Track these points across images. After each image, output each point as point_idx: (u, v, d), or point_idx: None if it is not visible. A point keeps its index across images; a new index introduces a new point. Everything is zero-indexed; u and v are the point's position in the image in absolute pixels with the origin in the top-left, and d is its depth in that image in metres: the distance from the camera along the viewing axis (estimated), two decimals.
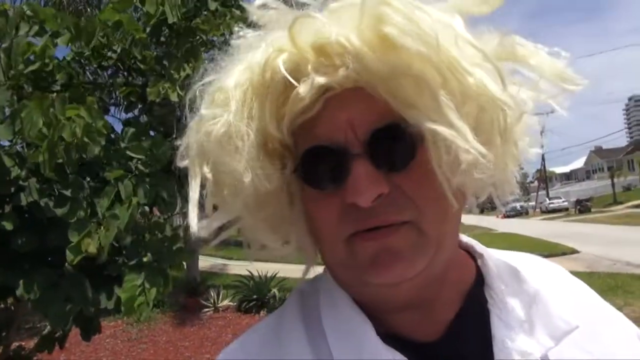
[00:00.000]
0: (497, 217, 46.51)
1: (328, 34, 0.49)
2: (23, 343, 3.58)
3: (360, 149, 0.50)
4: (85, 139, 1.81)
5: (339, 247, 0.54)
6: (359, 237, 0.52)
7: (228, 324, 8.34)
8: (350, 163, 0.50)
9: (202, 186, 0.57)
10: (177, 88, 2.44)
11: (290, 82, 0.50)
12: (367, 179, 0.49)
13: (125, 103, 2.68)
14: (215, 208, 0.60)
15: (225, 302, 9.29)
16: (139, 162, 2.16)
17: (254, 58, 0.54)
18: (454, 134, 0.48)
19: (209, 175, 0.55)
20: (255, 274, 9.60)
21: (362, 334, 0.56)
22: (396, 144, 0.50)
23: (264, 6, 0.58)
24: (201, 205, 0.59)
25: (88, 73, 2.61)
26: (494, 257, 0.65)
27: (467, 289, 0.62)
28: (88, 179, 2.10)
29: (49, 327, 2.16)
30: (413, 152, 0.51)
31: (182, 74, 2.50)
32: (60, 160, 1.78)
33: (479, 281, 0.63)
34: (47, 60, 2.14)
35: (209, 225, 0.59)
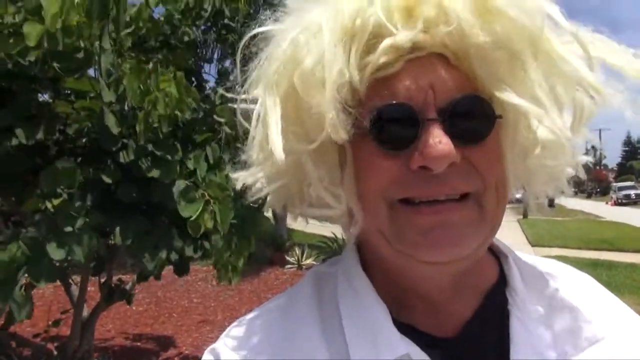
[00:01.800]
0: (607, 203, 42.79)
1: None
2: (126, 276, 3.94)
3: (437, 115, 0.49)
4: (177, 112, 1.88)
5: (383, 212, 0.52)
6: (417, 210, 0.50)
7: None
8: (426, 126, 0.49)
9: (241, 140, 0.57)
10: None
11: (377, 33, 0.50)
12: (448, 144, 0.48)
13: (219, 57, 2.76)
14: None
15: (309, 261, 9.56)
16: (226, 124, 2.21)
17: (343, 4, 0.52)
18: (542, 113, 0.48)
19: (288, 104, 0.53)
20: (339, 236, 9.73)
21: (379, 323, 0.55)
22: (474, 116, 0.50)
23: None
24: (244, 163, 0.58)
25: (179, 33, 2.67)
26: (520, 260, 0.62)
27: (487, 289, 0.59)
28: (180, 142, 2.19)
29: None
30: (489, 128, 0.50)
31: None
32: (156, 125, 1.87)
33: (501, 282, 0.60)
34: (141, 24, 2.22)
35: (256, 172, 0.60)
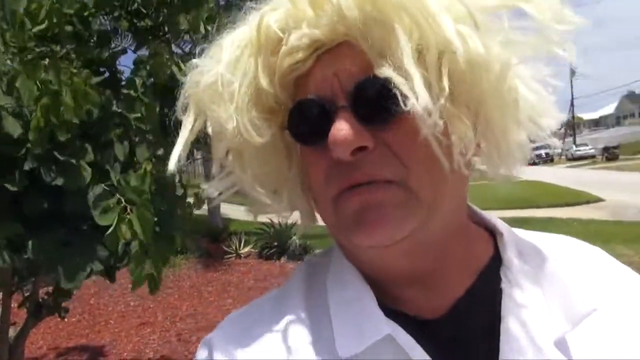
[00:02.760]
0: None
1: None
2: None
3: (345, 102, 0.50)
4: (76, 120, 1.74)
5: (328, 206, 0.54)
6: (344, 195, 0.51)
7: (250, 269, 8.55)
8: (334, 115, 0.50)
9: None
10: (177, 60, 2.31)
11: (281, 40, 0.51)
12: (347, 130, 0.48)
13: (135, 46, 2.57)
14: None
15: (247, 249, 9.49)
16: (136, 120, 2.07)
17: (251, 19, 0.55)
18: (402, 81, 0.46)
19: (198, 123, 0.58)
20: (276, 221, 9.71)
21: (364, 306, 0.55)
22: (380, 96, 0.48)
23: None
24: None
25: (91, 25, 2.47)
26: (518, 237, 0.61)
27: (480, 268, 0.58)
28: (91, 142, 2.02)
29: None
30: (394, 107, 0.48)
31: (181, 27, 2.36)
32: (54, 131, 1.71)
33: (496, 261, 0.59)
34: (55, 20, 2.02)
35: (217, 184, 0.62)
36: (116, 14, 2.56)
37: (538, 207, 13.41)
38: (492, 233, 0.63)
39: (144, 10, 2.45)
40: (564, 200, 14.04)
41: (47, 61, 1.79)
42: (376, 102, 0.48)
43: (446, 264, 0.57)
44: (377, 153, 0.50)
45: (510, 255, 0.58)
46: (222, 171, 0.62)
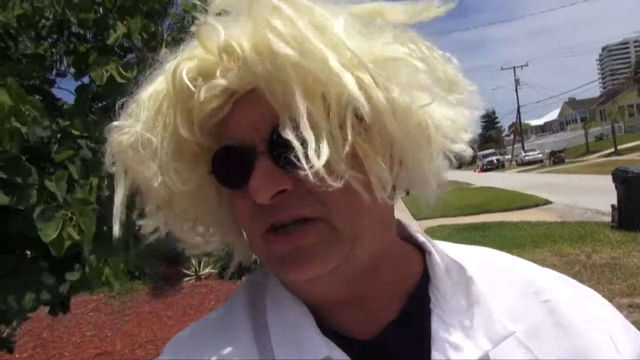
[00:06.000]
0: (475, 171, 47.30)
1: (226, 37, 0.51)
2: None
3: (263, 147, 0.52)
4: (16, 124, 1.68)
5: (257, 243, 0.57)
6: (272, 238, 0.54)
7: (210, 291, 8.38)
8: (254, 161, 0.52)
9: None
10: (119, 67, 2.27)
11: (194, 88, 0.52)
12: (264, 176, 0.51)
13: (74, 71, 2.50)
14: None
15: (207, 270, 9.30)
16: (86, 139, 2.04)
17: (170, 67, 0.55)
18: (299, 146, 0.47)
19: (130, 181, 0.58)
20: None
21: (303, 328, 0.58)
22: (290, 144, 0.49)
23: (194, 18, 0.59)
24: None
25: (20, 44, 2.38)
26: (444, 255, 0.64)
27: (411, 287, 0.62)
28: (35, 163, 1.98)
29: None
30: None
31: (115, 34, 2.31)
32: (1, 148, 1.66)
33: (425, 278, 0.63)
34: None
35: (145, 227, 0.62)
36: (52, 37, 2.48)
37: (491, 212, 13.85)
38: (421, 249, 0.66)
39: (82, 32, 2.39)
40: (514, 205, 14.55)
41: None
42: (290, 148, 0.49)
43: (377, 288, 0.60)
44: (296, 194, 0.52)
45: (438, 275, 0.61)
46: (156, 211, 0.61)
